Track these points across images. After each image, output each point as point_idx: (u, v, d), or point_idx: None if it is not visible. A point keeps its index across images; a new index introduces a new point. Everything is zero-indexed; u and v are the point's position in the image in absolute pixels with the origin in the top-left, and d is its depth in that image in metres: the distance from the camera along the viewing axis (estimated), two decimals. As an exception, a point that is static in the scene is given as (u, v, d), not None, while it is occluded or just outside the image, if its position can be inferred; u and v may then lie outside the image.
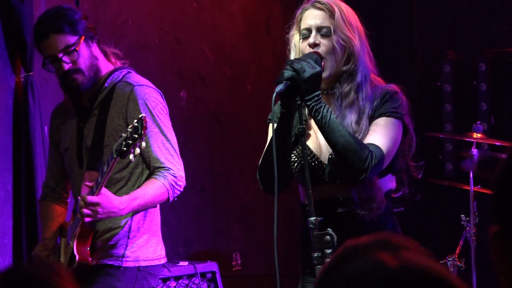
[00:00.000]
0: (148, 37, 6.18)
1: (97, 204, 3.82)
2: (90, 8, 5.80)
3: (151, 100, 4.08)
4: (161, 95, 4.17)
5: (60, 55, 4.04)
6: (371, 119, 3.50)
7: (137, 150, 3.72)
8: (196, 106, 6.44)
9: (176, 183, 4.05)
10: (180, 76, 6.36)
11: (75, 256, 4.00)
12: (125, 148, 3.73)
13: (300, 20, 3.58)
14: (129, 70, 4.21)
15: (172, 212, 6.19)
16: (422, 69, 6.86)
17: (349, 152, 3.35)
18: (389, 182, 3.60)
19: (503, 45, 6.62)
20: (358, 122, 3.48)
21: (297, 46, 3.57)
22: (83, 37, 4.06)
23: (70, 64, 4.05)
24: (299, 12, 3.59)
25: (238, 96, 6.71)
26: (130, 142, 3.72)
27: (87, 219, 3.88)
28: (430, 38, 6.85)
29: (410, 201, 3.70)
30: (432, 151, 6.53)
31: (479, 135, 5.71)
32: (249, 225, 6.70)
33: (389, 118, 3.49)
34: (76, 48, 4.04)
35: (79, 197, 4.00)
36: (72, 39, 4.04)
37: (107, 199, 3.85)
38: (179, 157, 4.12)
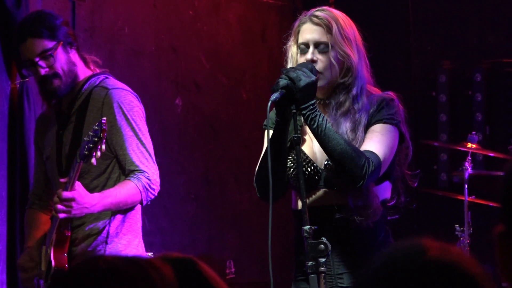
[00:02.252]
0: (144, 45, 6.18)
1: (72, 199, 3.85)
2: (86, 15, 5.81)
3: (126, 103, 4.07)
4: (137, 98, 4.16)
5: (37, 59, 4.03)
6: (367, 126, 3.50)
7: (98, 154, 3.75)
8: (192, 114, 6.44)
9: (150, 186, 4.05)
10: (176, 83, 6.37)
11: (51, 262, 4.00)
12: (87, 152, 3.77)
13: (298, 33, 3.57)
14: (107, 76, 4.20)
15: (166, 219, 6.20)
16: (417, 78, 6.87)
17: (346, 160, 3.36)
18: (386, 190, 3.60)
19: (498, 55, 6.64)
20: (353, 131, 3.49)
21: (294, 57, 3.57)
22: (61, 43, 4.06)
23: (47, 69, 4.05)
24: (296, 24, 3.59)
25: (234, 104, 6.71)
26: (91, 146, 3.76)
27: (61, 215, 3.89)
28: (425, 48, 6.87)
29: (405, 209, 3.68)
30: (427, 161, 6.53)
31: (474, 146, 5.73)
32: (243, 233, 6.70)
33: (385, 125, 3.49)
34: (53, 53, 4.03)
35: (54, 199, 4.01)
36: (49, 44, 4.04)
37: (81, 195, 3.87)
38: (154, 161, 4.13)
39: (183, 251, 6.59)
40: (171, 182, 6.04)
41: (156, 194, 4.11)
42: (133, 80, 5.86)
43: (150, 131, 4.20)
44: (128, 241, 4.15)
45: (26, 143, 5.22)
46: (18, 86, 5.28)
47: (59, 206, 3.86)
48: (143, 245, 4.24)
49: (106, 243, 4.10)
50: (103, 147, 3.76)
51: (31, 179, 5.13)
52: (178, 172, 6.29)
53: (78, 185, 3.88)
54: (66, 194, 3.85)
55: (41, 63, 4.04)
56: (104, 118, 3.78)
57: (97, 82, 4.15)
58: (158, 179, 4.11)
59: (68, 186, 3.87)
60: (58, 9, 5.54)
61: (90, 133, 3.78)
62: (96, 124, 3.76)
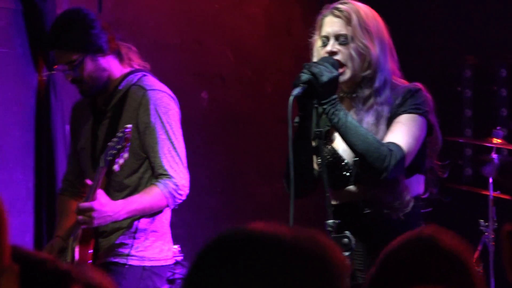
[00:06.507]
0: (169, 38, 6.21)
1: (90, 209, 3.89)
2: (111, 8, 5.86)
3: (162, 105, 4.10)
4: (174, 100, 4.19)
5: (64, 67, 4.10)
6: (391, 118, 3.50)
7: (121, 161, 3.81)
8: (216, 107, 6.47)
9: (177, 192, 4.09)
10: (201, 76, 6.40)
11: (75, 257, 4.04)
12: (110, 158, 3.82)
13: (321, 26, 3.60)
14: (144, 73, 4.22)
15: (191, 212, 6.21)
16: (442, 74, 6.84)
17: (368, 152, 3.37)
18: (417, 183, 3.60)
19: (523, 50, 6.61)
20: (375, 124, 3.49)
21: (318, 51, 3.60)
22: (88, 54, 4.07)
23: (73, 76, 4.10)
24: (319, 18, 3.62)
25: (258, 98, 6.73)
26: (115, 152, 3.81)
27: (83, 226, 3.95)
28: (450, 42, 6.85)
29: (438, 202, 3.68)
30: (452, 156, 6.51)
31: (499, 141, 5.73)
32: (266, 225, 6.71)
33: (410, 115, 3.49)
34: (79, 64, 4.06)
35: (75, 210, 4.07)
36: (75, 56, 4.05)
37: (101, 204, 3.90)
38: (185, 166, 4.17)
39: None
40: (195, 175, 6.01)
41: (184, 198, 4.16)
42: (157, 73, 5.92)
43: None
44: (156, 237, 4.19)
45: (53, 134, 5.30)
46: (45, 78, 5.34)
47: (80, 217, 3.90)
48: (171, 241, 4.28)
49: (134, 238, 4.14)
50: (126, 155, 3.81)
51: (57, 171, 5.19)
52: (202, 165, 6.30)
53: (99, 193, 3.91)
54: (83, 205, 3.89)
55: (67, 72, 4.10)
56: (129, 126, 3.83)
57: (135, 80, 4.17)
58: (186, 184, 4.15)
59: (91, 194, 3.91)
60: (84, 2, 5.57)
61: (114, 139, 3.83)
62: (120, 131, 3.81)
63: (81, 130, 4.30)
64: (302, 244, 1.45)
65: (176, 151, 4.12)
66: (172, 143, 4.10)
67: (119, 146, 3.83)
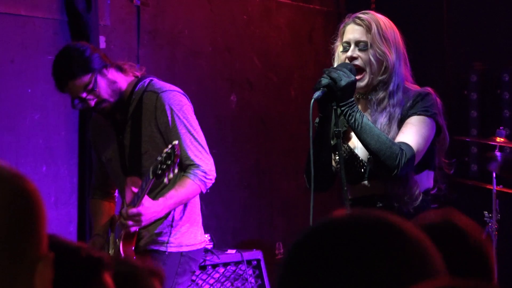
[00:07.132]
0: (202, 46, 6.36)
1: (138, 215, 4.11)
2: (150, 18, 6.03)
3: (176, 103, 4.24)
4: (185, 95, 4.32)
5: (83, 95, 4.18)
6: (403, 120, 3.60)
7: (171, 175, 3.98)
8: (244, 109, 6.62)
9: (206, 178, 4.25)
10: (230, 81, 6.55)
11: (120, 253, 4.22)
12: (160, 172, 3.98)
13: (343, 33, 3.72)
14: (151, 78, 4.36)
15: (221, 205, 6.42)
16: (451, 78, 6.96)
17: (381, 151, 3.48)
18: (426, 178, 3.70)
19: (526, 57, 6.73)
20: (388, 125, 3.61)
21: (339, 56, 3.71)
22: (96, 71, 4.18)
23: (95, 99, 4.20)
24: (342, 26, 3.75)
25: (283, 101, 6.86)
26: (164, 167, 3.96)
27: (133, 229, 4.20)
28: (458, 50, 6.96)
29: (446, 198, 3.78)
30: (459, 153, 6.51)
31: (502, 139, 5.89)
32: (290, 217, 6.83)
33: (420, 117, 3.57)
34: (94, 84, 4.17)
35: (122, 211, 4.26)
36: (87, 78, 4.16)
37: (147, 208, 4.11)
38: (208, 152, 4.30)
39: (236, 234, 6.78)
40: (225, 171, 6.20)
41: (213, 181, 4.32)
42: (192, 78, 6.13)
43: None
44: (190, 223, 4.38)
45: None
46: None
47: (129, 222, 4.14)
48: (202, 227, 4.49)
49: (172, 226, 4.31)
50: (176, 170, 3.98)
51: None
52: (232, 162, 6.50)
53: (145, 199, 4.11)
54: (132, 211, 4.10)
55: (89, 97, 4.19)
56: (175, 142, 3.97)
57: (145, 86, 4.31)
58: (213, 168, 4.29)
59: (137, 200, 4.12)
60: (125, 13, 5.84)
61: (163, 154, 3.97)
62: (170, 146, 3.97)
63: (104, 142, 4.42)
64: (414, 237, 1.37)
65: (197, 141, 4.26)
66: (192, 134, 4.24)
67: (169, 162, 3.93)
